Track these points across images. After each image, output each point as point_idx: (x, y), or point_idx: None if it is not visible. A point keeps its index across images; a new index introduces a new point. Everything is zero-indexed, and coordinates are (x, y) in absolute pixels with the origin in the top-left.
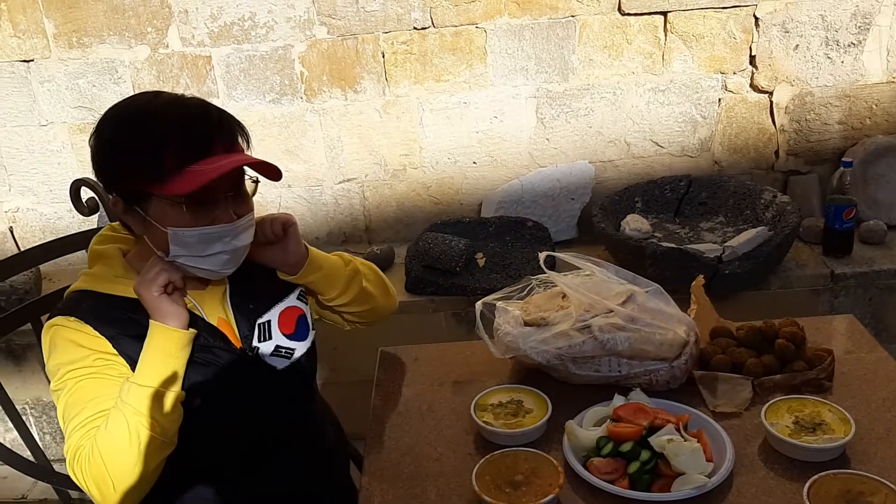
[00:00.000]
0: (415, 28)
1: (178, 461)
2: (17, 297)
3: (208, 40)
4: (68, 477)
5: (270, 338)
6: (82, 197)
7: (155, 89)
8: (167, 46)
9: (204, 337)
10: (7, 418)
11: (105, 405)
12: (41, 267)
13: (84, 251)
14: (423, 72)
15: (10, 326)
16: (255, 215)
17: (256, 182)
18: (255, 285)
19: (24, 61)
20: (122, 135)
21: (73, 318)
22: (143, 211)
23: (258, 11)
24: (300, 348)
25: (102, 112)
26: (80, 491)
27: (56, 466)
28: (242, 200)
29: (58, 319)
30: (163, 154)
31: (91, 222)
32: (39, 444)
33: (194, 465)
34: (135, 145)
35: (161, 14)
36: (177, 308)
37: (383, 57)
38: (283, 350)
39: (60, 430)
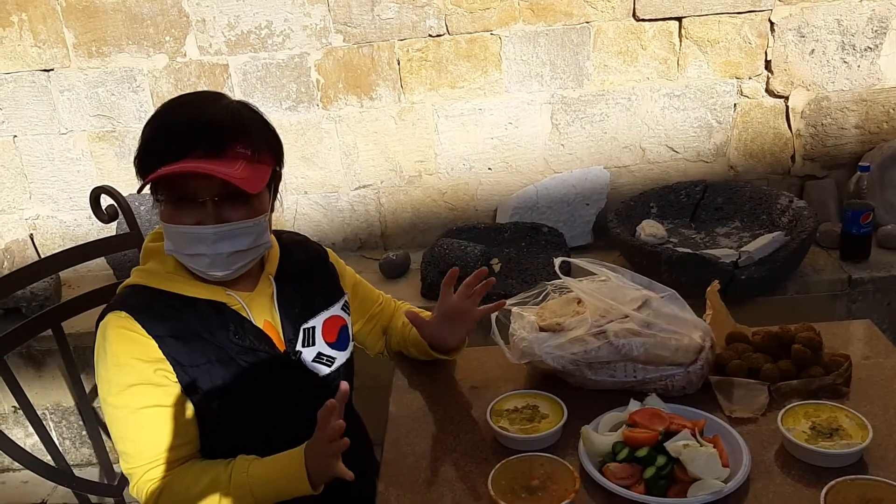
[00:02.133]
0: (430, 35)
1: (244, 442)
2: (38, 304)
3: (225, 49)
4: (87, 481)
5: (314, 344)
6: (102, 204)
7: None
8: (185, 55)
9: (250, 340)
10: (27, 423)
11: (165, 442)
12: (61, 274)
13: (103, 258)
14: (439, 79)
15: (30, 332)
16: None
17: (271, 189)
18: (302, 290)
19: (45, 70)
20: (142, 133)
21: (123, 314)
22: (156, 206)
23: (274, 20)
24: (341, 357)
25: (121, 120)
26: (100, 496)
27: (76, 471)
28: (236, 207)
29: (110, 318)
30: (145, 152)
31: (110, 229)
32: (59, 448)
33: (260, 446)
34: (140, 143)
35: (179, 23)
36: (329, 478)
37: (398, 64)
38: (325, 357)
39: (80, 436)
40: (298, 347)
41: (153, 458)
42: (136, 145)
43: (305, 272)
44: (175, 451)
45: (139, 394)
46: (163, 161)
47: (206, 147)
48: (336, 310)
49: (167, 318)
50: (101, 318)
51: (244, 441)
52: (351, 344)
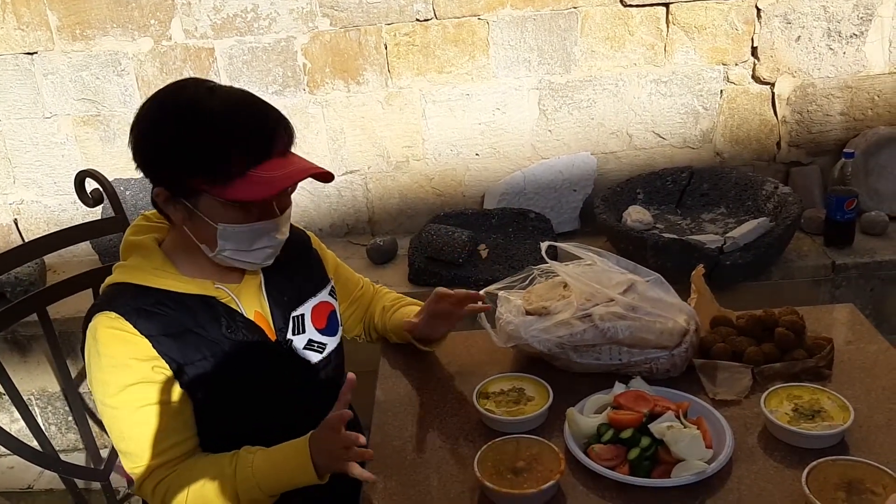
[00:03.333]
0: (417, 20)
1: (232, 430)
2: (22, 289)
3: (211, 32)
4: (74, 465)
5: (304, 331)
6: (87, 188)
7: (194, 77)
8: (170, 38)
9: (242, 332)
10: (13, 409)
11: (168, 439)
12: (46, 259)
13: (88, 243)
14: (426, 63)
15: (15, 317)
16: None
17: None
18: (289, 278)
19: (28, 53)
20: (182, 131)
21: (113, 315)
22: (191, 205)
23: (260, 3)
24: (331, 343)
25: (106, 104)
26: (86, 480)
27: (62, 456)
28: (286, 195)
29: (99, 319)
30: (229, 158)
31: (95, 213)
32: (45, 433)
33: (248, 433)
34: (198, 146)
35: (164, 6)
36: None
37: (386, 48)
38: (316, 344)
39: (66, 421)
40: (289, 336)
41: (157, 456)
42: (183, 141)
43: (291, 259)
44: (178, 448)
45: (138, 392)
46: (250, 165)
47: (287, 142)
48: (324, 296)
49: (158, 316)
50: (87, 319)
51: (240, 432)
52: (340, 329)
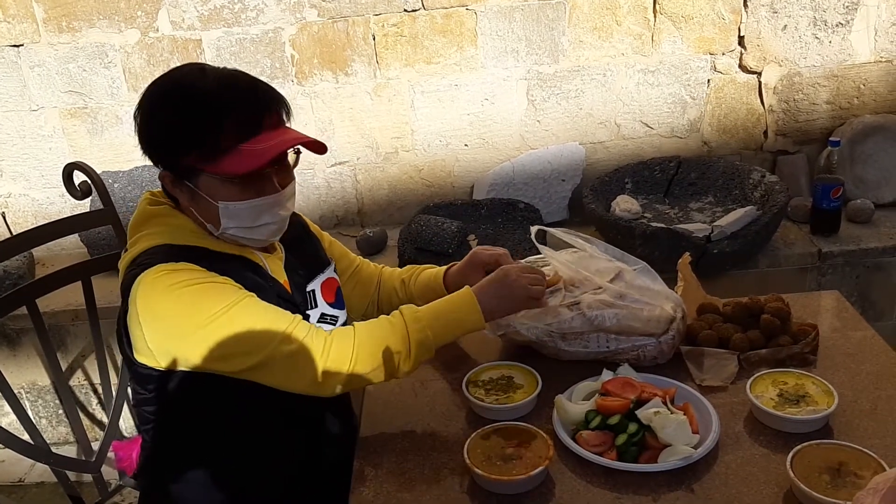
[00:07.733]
0: (405, 10)
1: (229, 417)
2: (11, 282)
3: (198, 24)
4: (65, 457)
5: (316, 305)
6: (75, 181)
7: (191, 62)
8: (157, 30)
9: (284, 304)
10: (3, 402)
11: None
12: (35, 252)
13: (77, 237)
14: (414, 54)
15: (4, 310)
16: None
17: (298, 153)
18: (299, 256)
19: (14, 46)
20: (174, 112)
21: (172, 263)
22: (193, 185)
23: None
24: (341, 316)
25: (93, 96)
26: (77, 472)
27: (53, 449)
28: (286, 171)
29: (147, 273)
30: (218, 134)
31: (83, 206)
32: (36, 427)
33: (244, 421)
34: (188, 124)
35: None
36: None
37: (374, 39)
38: (329, 317)
39: (56, 414)
40: (306, 310)
41: (291, 318)
42: (163, 121)
43: (297, 240)
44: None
45: (234, 288)
46: (240, 140)
47: (272, 117)
48: (330, 272)
49: (205, 270)
50: (128, 284)
51: (260, 398)
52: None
